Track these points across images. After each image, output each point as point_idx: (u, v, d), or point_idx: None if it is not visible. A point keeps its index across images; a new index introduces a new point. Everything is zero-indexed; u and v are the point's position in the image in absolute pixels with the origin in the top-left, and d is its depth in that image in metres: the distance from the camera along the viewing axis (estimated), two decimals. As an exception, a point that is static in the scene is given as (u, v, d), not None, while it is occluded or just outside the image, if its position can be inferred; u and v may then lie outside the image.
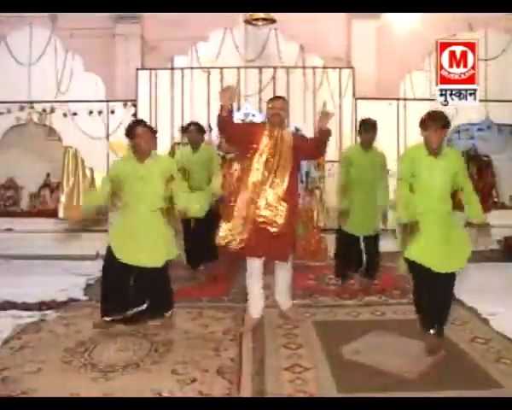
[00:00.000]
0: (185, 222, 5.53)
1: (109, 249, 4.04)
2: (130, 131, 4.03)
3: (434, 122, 3.64)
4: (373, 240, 5.19)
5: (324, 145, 4.23)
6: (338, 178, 5.47)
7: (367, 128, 5.02)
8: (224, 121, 3.99)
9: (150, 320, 4.14)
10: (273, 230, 3.95)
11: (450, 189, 3.80)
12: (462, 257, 3.76)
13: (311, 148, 4.22)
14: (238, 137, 4.18)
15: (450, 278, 3.72)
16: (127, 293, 4.07)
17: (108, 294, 4.06)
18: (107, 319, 4.06)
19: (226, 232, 4.00)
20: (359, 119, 5.38)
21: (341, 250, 5.30)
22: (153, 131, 4.17)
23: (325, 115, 4.19)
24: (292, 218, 4.09)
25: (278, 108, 4.13)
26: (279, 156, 4.04)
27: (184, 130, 6.06)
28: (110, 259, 4.02)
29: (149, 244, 3.99)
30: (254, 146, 4.06)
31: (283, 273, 4.25)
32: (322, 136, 4.15)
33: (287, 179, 4.04)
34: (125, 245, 3.99)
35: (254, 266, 4.09)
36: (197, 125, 5.73)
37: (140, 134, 3.99)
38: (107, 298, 4.07)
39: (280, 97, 4.40)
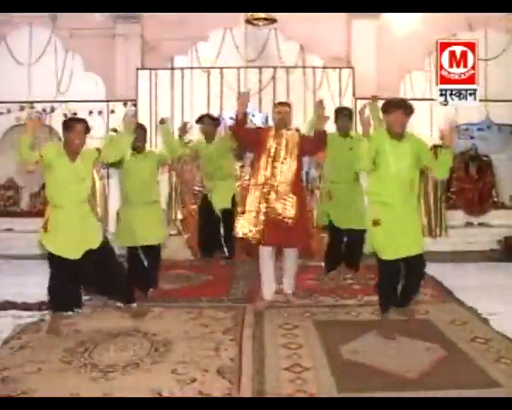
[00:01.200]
0: (205, 213, 6.09)
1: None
2: (67, 126, 4.05)
3: (404, 106, 3.88)
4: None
5: (322, 143, 4.72)
6: None
7: (340, 115, 5.37)
8: (240, 126, 4.57)
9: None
10: (288, 220, 4.41)
11: (415, 172, 4.03)
12: (420, 242, 4.08)
13: (313, 145, 4.74)
14: (249, 140, 4.74)
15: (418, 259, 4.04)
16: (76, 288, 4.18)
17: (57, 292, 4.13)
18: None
19: (242, 225, 4.49)
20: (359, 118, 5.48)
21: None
22: (88, 130, 4.15)
23: (321, 119, 4.62)
24: (303, 209, 4.59)
25: (284, 112, 4.65)
26: (285, 153, 4.53)
27: (198, 121, 6.22)
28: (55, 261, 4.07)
29: (86, 233, 4.08)
30: (263, 147, 4.55)
31: (291, 261, 4.71)
32: (320, 137, 4.63)
33: (293, 174, 4.51)
34: (66, 241, 4.01)
35: (265, 254, 4.59)
36: (211, 117, 6.10)
37: (78, 131, 4.00)
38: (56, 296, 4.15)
39: (286, 103, 4.92)
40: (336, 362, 3.46)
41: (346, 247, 5.64)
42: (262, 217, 4.43)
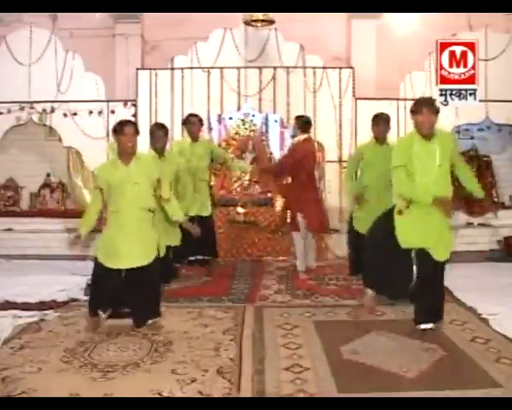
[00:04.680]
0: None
1: (97, 259, 4.07)
2: (118, 130, 4.04)
3: (429, 106, 3.81)
4: None
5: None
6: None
7: (374, 121, 5.36)
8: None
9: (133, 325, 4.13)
10: None
11: (448, 170, 3.91)
12: (448, 247, 3.95)
13: None
14: None
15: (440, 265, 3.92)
16: (116, 294, 4.07)
17: (97, 294, 4.12)
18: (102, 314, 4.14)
19: None
20: (359, 119, 5.50)
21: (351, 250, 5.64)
22: (137, 132, 4.14)
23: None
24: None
25: None
26: None
27: (184, 122, 5.98)
28: (99, 267, 4.06)
29: (139, 245, 4.03)
30: None
31: (309, 241, 5.95)
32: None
33: None
34: (116, 250, 3.99)
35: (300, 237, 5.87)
36: (197, 116, 5.83)
37: (127, 133, 3.98)
38: (95, 297, 4.15)
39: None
40: (336, 362, 3.46)
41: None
42: None
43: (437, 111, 3.86)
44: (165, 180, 4.21)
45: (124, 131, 3.98)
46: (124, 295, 4.06)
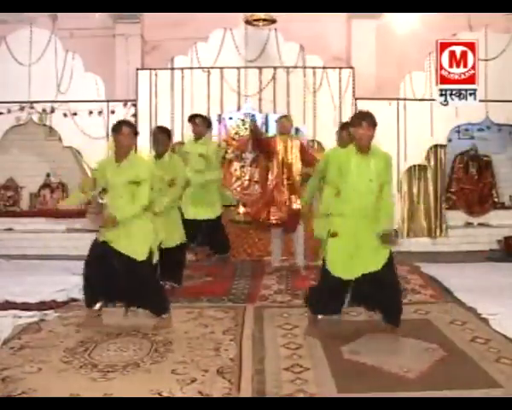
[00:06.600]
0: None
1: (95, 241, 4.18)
2: (115, 128, 4.11)
3: (367, 120, 3.80)
4: None
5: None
6: None
7: (343, 128, 5.26)
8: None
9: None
10: None
11: (377, 188, 3.86)
12: (381, 257, 3.86)
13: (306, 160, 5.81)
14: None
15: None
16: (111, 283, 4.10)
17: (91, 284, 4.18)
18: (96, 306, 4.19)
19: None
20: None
21: None
22: (136, 133, 4.21)
23: None
24: None
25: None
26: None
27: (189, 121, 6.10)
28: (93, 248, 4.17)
29: (129, 237, 4.04)
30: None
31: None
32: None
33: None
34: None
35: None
36: (202, 117, 6.02)
37: (123, 133, 4.05)
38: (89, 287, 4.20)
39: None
40: (336, 362, 3.46)
41: None
42: None
43: (375, 125, 3.82)
44: (145, 185, 4.07)
45: (121, 130, 4.05)
46: (117, 285, 4.09)
